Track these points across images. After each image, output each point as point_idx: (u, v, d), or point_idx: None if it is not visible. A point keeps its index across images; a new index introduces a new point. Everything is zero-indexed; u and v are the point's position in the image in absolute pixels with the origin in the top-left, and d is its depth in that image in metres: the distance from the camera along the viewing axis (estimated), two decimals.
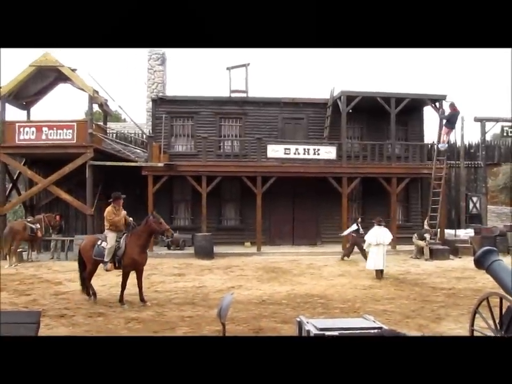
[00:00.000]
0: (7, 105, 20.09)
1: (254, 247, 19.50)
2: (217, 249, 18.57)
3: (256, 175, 19.36)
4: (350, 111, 20.31)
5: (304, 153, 19.77)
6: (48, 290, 11.89)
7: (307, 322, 5.62)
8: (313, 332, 5.24)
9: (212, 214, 20.41)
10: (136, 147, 21.86)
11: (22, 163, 20.84)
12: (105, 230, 10.85)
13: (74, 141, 19.12)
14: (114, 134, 23.07)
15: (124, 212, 10.95)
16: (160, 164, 19.40)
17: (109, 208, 10.89)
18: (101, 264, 10.67)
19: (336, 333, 5.10)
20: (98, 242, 10.72)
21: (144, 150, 20.96)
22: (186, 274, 14.08)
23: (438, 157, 20.24)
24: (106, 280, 12.60)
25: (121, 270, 10.61)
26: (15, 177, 21.47)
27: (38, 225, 17.73)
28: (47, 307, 9.87)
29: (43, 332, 6.69)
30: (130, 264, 10.43)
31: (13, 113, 22.00)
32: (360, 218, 18.65)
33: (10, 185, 21.12)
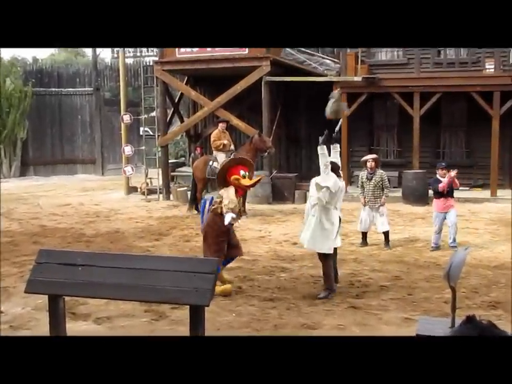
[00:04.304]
0: None
1: (486, 191, 16.74)
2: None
3: (492, 90, 15.98)
4: None
5: None
6: None
7: None
8: None
9: (427, 145, 18.05)
10: (325, 56, 19.61)
11: (184, 82, 19.84)
12: (214, 152, 13.92)
13: (246, 52, 17.04)
14: None
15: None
16: (357, 78, 17.20)
17: (215, 132, 14.01)
18: None
19: None
20: (210, 163, 13.51)
21: (336, 60, 18.85)
22: (393, 224, 12.46)
23: None
24: None
25: None
26: (176, 100, 20.37)
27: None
28: None
29: None
30: None
31: None
32: None
33: (171, 110, 19.94)
